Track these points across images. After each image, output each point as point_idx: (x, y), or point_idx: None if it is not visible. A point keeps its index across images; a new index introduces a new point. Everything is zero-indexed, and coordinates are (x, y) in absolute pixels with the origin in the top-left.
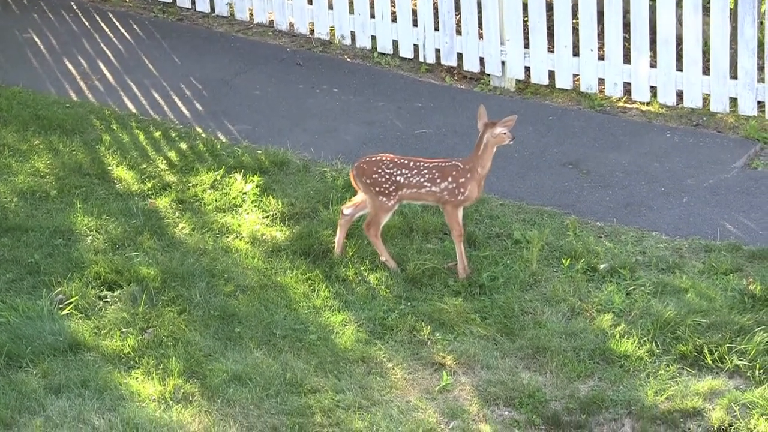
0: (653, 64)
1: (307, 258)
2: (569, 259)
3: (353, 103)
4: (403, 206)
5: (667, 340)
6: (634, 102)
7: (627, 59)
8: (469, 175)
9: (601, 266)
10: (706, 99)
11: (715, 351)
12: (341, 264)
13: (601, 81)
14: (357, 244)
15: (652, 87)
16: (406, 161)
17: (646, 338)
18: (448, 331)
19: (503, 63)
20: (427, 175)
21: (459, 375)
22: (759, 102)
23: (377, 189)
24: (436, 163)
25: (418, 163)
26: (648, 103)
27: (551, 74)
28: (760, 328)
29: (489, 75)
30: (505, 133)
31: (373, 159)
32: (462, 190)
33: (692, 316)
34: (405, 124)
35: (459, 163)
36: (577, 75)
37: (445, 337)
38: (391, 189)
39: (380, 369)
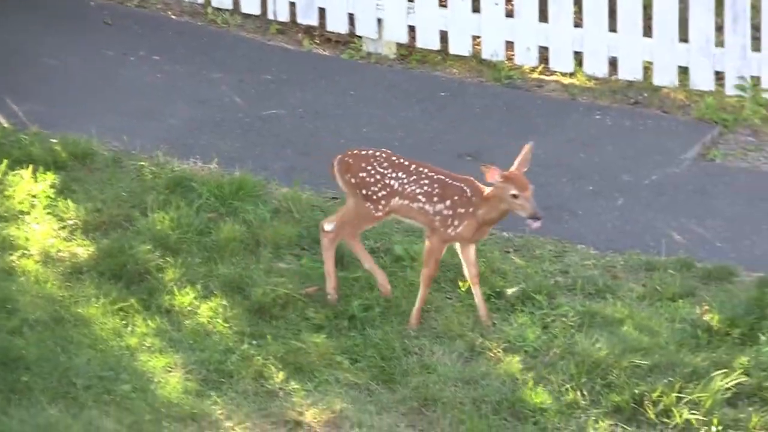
0: (578, 23)
1: (119, 282)
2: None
3: (180, 75)
4: (246, 210)
5: (596, 387)
6: (553, 73)
7: (544, 16)
8: (471, 210)
9: (510, 291)
10: (647, 69)
11: (660, 402)
12: (163, 290)
13: (510, 45)
14: (185, 263)
15: (576, 53)
16: (405, 163)
17: (568, 386)
18: (308, 378)
19: (379, 21)
20: (425, 187)
21: None
22: (717, 73)
23: (364, 192)
24: (442, 177)
25: (420, 169)
26: (572, 75)
27: (443, 36)
28: (718, 372)
29: (361, 37)
30: (517, 198)
31: (363, 153)
32: (456, 222)
33: (629, 356)
34: (249, 102)
35: (467, 189)
36: (478, 37)
37: (303, 387)
38: (380, 195)
39: (216, 430)
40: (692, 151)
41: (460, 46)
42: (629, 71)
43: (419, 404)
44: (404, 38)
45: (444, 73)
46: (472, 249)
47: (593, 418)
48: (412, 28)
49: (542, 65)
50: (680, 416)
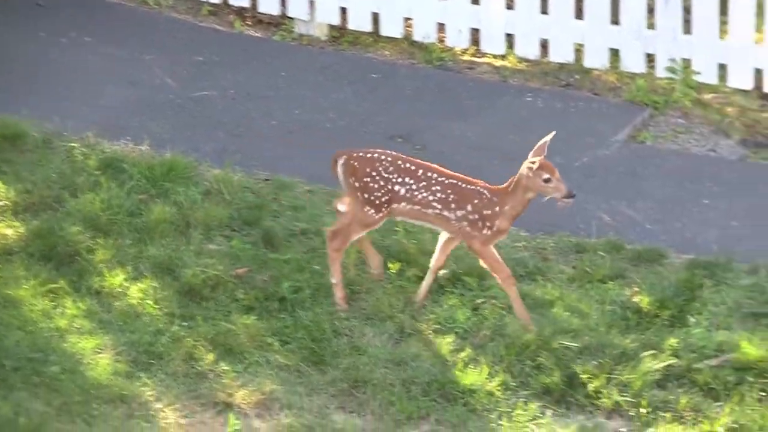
0: (510, 5)
1: (48, 263)
2: (398, 264)
3: (112, 57)
4: (177, 192)
5: (525, 369)
6: (485, 55)
7: None
8: (496, 208)
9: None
10: (579, 51)
11: (589, 383)
12: (93, 271)
13: (442, 27)
14: (115, 244)
15: (508, 35)
16: (412, 167)
17: (498, 367)
18: (237, 360)
19: (311, 3)
20: (439, 194)
21: (251, 418)
22: (648, 55)
23: (365, 196)
24: (454, 181)
25: (429, 174)
26: (503, 57)
27: (375, 18)
28: (647, 353)
29: (293, 19)
30: (550, 181)
31: (369, 156)
32: (488, 223)
33: (559, 338)
34: (181, 83)
35: (483, 190)
36: (410, 19)
37: (233, 369)
38: (383, 200)
39: (146, 411)
40: (623, 133)
41: (391, 28)
42: (560, 53)
43: (349, 386)
44: (336, 20)
45: (375, 55)
46: (453, 244)
47: (523, 399)
48: (344, 10)
49: (474, 47)
50: (609, 398)
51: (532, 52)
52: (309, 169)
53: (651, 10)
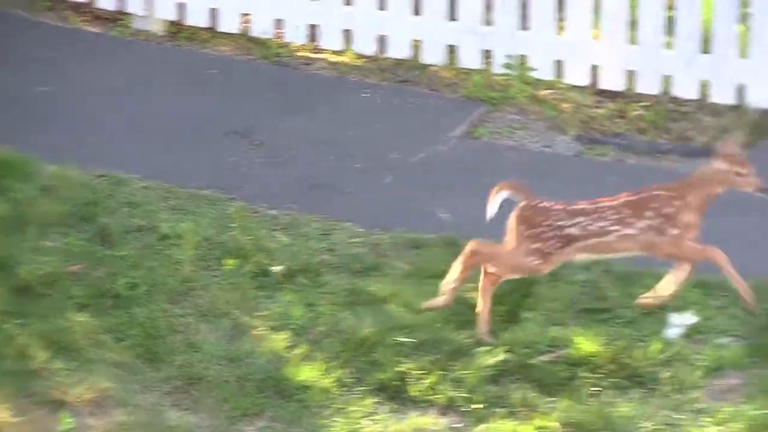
0: (349, 1)
1: None
2: (234, 260)
3: None
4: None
5: (361, 365)
6: (323, 51)
7: None
8: (678, 204)
9: (275, 269)
10: (417, 47)
11: (424, 379)
12: None
13: (280, 23)
14: None
15: (346, 31)
16: (582, 207)
17: (333, 363)
18: (71, 357)
19: None
20: (613, 216)
21: (84, 416)
22: (486, 51)
23: (535, 246)
24: (624, 199)
25: (599, 205)
26: (341, 53)
27: (213, 13)
28: (481, 349)
29: (130, 14)
30: (742, 175)
31: (543, 206)
32: (673, 221)
33: (394, 334)
34: (16, 80)
35: (657, 193)
36: (248, 14)
37: (67, 366)
38: (555, 249)
39: None
40: (459, 129)
41: (229, 24)
42: (398, 50)
43: (184, 383)
44: (173, 15)
45: (213, 51)
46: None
47: (358, 395)
48: (182, 6)
49: (312, 43)
50: (444, 394)
51: (369, 48)
52: (143, 164)
53: (489, 7)
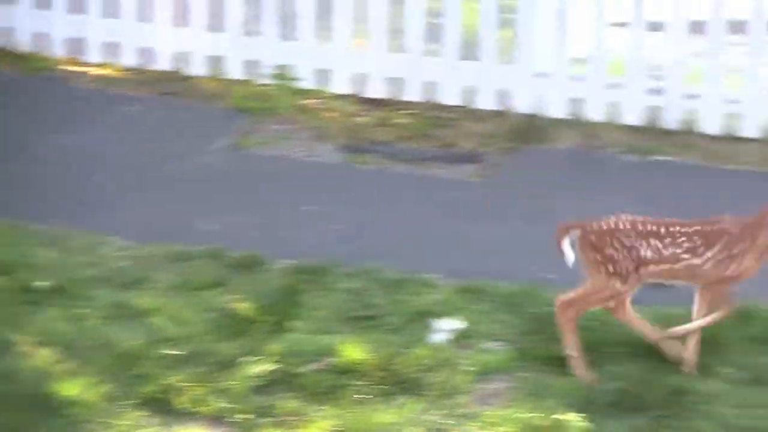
0: (112, 13)
1: None
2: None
3: None
4: None
5: (127, 379)
6: (86, 64)
7: (77, 7)
8: (747, 243)
9: (39, 283)
10: (182, 59)
11: (190, 391)
12: None
13: (43, 36)
14: None
15: (109, 44)
16: (653, 228)
17: (100, 377)
18: None
19: None
20: (686, 244)
21: None
22: (253, 62)
23: (609, 269)
24: (698, 227)
25: (671, 229)
26: (105, 66)
27: None
28: (247, 359)
29: None
30: None
31: (605, 228)
32: (736, 263)
33: (161, 346)
34: None
35: (730, 228)
36: (12, 28)
37: None
38: (630, 268)
39: None
40: (225, 140)
41: None
42: (163, 61)
43: None
44: None
45: None
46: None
47: (125, 409)
48: None
49: (75, 56)
50: (212, 405)
51: (133, 60)
52: None
53: (255, 18)
